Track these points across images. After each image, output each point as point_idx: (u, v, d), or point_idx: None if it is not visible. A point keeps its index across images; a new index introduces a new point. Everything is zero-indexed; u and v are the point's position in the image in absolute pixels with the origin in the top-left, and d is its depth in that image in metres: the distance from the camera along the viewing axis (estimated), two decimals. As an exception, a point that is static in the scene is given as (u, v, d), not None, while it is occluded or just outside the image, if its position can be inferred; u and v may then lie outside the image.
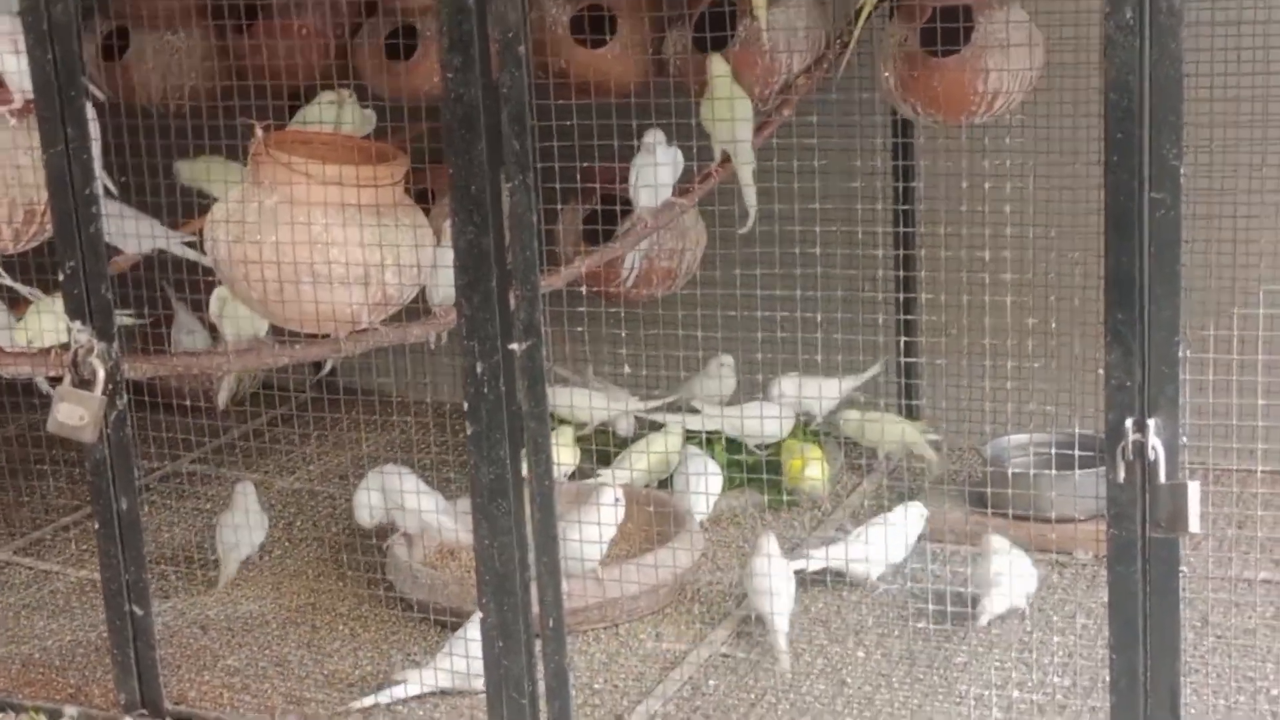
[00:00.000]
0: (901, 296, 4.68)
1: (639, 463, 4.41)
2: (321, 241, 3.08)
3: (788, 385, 4.61)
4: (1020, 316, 3.73)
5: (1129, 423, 2.54)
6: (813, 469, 4.39)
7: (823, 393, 4.65)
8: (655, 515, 4.08)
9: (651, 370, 4.72)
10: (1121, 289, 2.53)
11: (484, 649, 3.04)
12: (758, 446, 4.53)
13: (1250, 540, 3.86)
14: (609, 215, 4.45)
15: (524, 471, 2.95)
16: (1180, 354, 2.53)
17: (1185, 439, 2.58)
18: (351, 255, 3.11)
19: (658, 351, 4.07)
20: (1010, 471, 4.16)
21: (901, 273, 4.67)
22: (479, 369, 2.92)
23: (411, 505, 3.82)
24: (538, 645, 3.01)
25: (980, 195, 3.96)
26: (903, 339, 4.60)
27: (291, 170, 3.06)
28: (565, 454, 4.41)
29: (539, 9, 4.48)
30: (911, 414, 4.73)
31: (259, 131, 3.14)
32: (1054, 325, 4.01)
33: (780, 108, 4.35)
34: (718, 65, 4.15)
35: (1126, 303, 2.53)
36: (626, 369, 4.11)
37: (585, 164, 4.24)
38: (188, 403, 4.74)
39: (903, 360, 4.71)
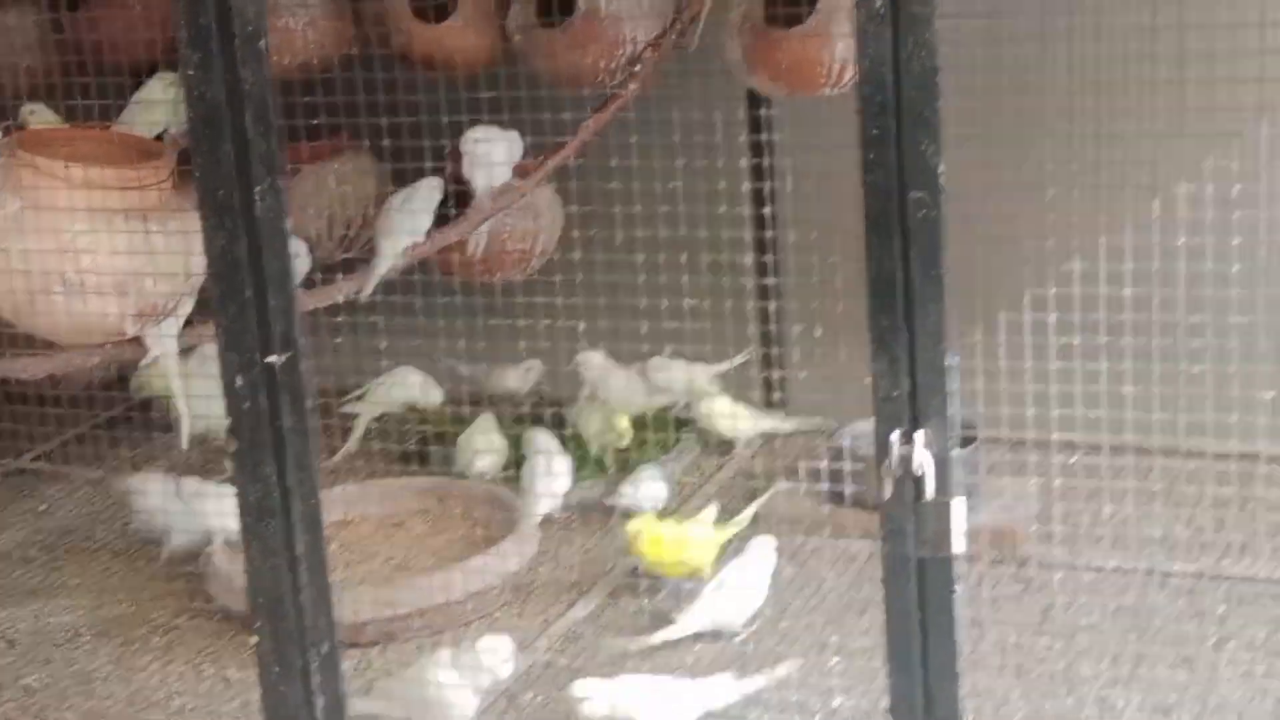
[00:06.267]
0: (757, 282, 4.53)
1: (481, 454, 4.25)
2: (72, 250, 2.90)
3: (677, 368, 4.44)
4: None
5: (895, 435, 2.39)
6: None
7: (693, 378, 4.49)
8: (493, 513, 3.94)
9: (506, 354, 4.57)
10: (883, 294, 2.37)
11: (260, 676, 2.89)
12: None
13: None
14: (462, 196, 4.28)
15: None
16: (948, 362, 2.38)
17: (958, 451, 2.42)
18: (108, 264, 2.92)
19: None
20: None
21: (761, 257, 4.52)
22: (238, 383, 2.76)
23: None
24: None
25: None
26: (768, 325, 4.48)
27: (37, 172, 2.87)
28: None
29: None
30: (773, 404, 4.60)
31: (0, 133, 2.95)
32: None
33: (627, 82, 4.19)
34: None
35: (889, 308, 2.38)
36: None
37: (432, 143, 4.07)
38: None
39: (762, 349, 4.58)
